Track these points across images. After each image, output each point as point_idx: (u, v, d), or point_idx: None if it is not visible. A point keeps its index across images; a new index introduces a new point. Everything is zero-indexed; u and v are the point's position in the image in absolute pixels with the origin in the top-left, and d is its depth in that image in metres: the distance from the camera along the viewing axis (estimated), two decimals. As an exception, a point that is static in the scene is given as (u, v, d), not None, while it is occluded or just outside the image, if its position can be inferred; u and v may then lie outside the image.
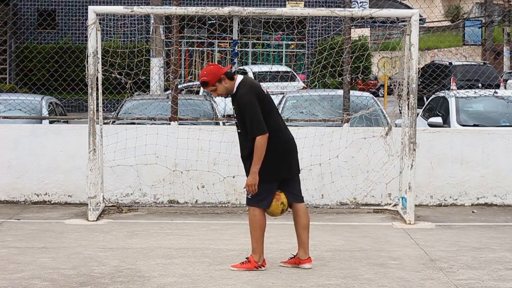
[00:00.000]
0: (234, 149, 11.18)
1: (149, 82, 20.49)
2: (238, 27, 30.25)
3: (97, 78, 10.60)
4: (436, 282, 7.43)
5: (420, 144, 11.18)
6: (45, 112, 13.90)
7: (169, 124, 11.84)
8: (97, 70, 10.64)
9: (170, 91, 12.52)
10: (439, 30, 31.77)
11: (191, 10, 10.72)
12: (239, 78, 7.66)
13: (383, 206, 11.37)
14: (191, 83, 24.54)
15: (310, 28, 29.96)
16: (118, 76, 11.86)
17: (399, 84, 11.14)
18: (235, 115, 7.69)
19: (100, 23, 10.82)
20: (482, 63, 29.17)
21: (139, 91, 15.07)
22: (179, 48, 12.27)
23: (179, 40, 16.19)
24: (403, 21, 11.47)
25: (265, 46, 33.30)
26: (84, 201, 11.10)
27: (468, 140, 11.67)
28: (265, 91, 7.71)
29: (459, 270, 7.87)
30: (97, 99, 10.68)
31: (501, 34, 44.47)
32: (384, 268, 7.95)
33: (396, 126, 11.77)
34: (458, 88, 20.68)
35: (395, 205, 11.12)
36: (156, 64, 20.48)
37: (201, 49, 32.49)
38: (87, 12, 10.64)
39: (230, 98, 7.74)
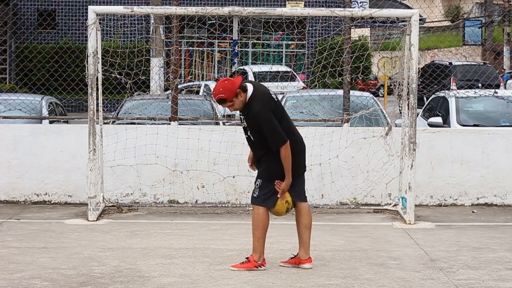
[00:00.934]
0: (234, 149, 11.19)
1: (149, 82, 20.49)
2: (238, 27, 30.33)
3: (97, 78, 10.60)
4: (436, 282, 7.43)
5: (420, 144, 11.18)
6: (45, 112, 13.90)
7: (169, 124, 11.84)
8: (97, 70, 10.64)
9: (170, 91, 12.52)
10: (439, 30, 31.78)
11: (191, 10, 10.72)
12: (249, 87, 7.60)
13: (383, 206, 11.37)
14: (191, 83, 24.54)
15: (310, 28, 29.97)
16: (118, 76, 11.86)
17: (399, 84, 11.14)
18: (245, 124, 7.65)
19: (100, 23, 10.82)
20: (482, 63, 29.17)
21: (139, 91, 15.07)
22: (179, 48, 12.27)
23: (179, 40, 16.19)
24: (403, 21, 11.47)
25: (265, 46, 33.31)
26: (84, 201, 11.10)
27: (468, 140, 11.67)
28: (274, 96, 7.70)
29: (459, 270, 7.87)
30: (97, 99, 10.68)
31: (501, 34, 44.47)
32: (384, 268, 7.95)
33: (396, 126, 11.76)
34: (458, 88, 20.69)
35: (395, 205, 11.12)
36: (156, 64, 20.48)
37: (201, 49, 32.49)
38: (87, 12, 10.64)
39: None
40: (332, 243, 9.09)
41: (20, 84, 25.82)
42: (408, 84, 10.63)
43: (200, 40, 31.91)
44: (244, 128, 7.75)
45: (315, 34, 31.94)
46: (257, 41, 32.68)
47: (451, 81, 23.96)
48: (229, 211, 11.21)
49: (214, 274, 7.62)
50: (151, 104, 13.88)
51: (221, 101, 7.56)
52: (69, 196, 11.59)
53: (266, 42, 33.03)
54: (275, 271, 7.74)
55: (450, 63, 27.13)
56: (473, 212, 11.27)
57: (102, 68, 11.02)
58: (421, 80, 19.38)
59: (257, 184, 7.72)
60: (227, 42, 32.35)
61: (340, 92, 12.76)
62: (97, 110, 10.71)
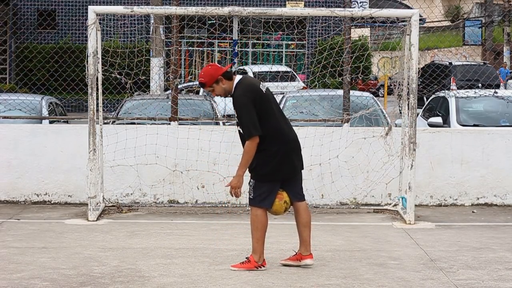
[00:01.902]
0: (234, 149, 11.18)
1: (149, 82, 20.49)
2: (238, 27, 30.25)
3: (97, 78, 10.60)
4: (436, 282, 7.43)
5: (420, 144, 11.18)
6: (45, 112, 13.90)
7: (169, 124, 11.84)
8: (97, 70, 10.64)
9: (170, 91, 12.52)
10: (439, 30, 31.78)
11: (191, 10, 10.72)
12: (237, 78, 7.66)
13: (383, 206, 11.37)
14: (191, 83, 24.53)
15: (310, 28, 29.96)
16: (118, 76, 11.86)
17: (399, 84, 11.14)
18: (236, 115, 7.71)
19: (100, 23, 10.82)
20: (482, 63, 29.17)
21: (139, 91, 15.07)
22: (179, 48, 12.27)
23: (179, 40, 16.19)
24: (403, 21, 11.47)
25: (265, 46, 33.30)
26: (84, 201, 11.10)
27: (468, 140, 11.67)
28: (264, 90, 7.67)
29: (459, 270, 7.87)
30: (97, 99, 10.68)
31: (501, 34, 44.49)
32: (384, 268, 7.95)
33: (396, 126, 11.76)
34: (458, 88, 20.68)
35: (395, 205, 11.12)
36: (156, 64, 20.48)
37: (201, 49, 32.48)
38: (87, 12, 10.64)
39: (231, 98, 7.75)
40: (332, 243, 9.09)
41: (20, 84, 25.83)
42: (408, 84, 10.63)
43: (200, 40, 31.90)
44: (236, 123, 7.77)
45: (315, 34, 31.94)
46: (257, 41, 32.67)
47: (451, 81, 23.95)
48: (229, 211, 11.21)
49: (214, 274, 7.62)
50: (151, 104, 13.88)
51: (201, 85, 7.68)
52: (69, 196, 11.59)
53: (266, 42, 33.02)
54: (275, 271, 7.74)
55: (450, 63, 27.13)
56: (473, 212, 11.27)
57: (102, 68, 11.03)
58: (421, 80, 19.37)
59: (251, 185, 7.70)
60: (227, 42, 32.34)
61: (340, 92, 12.76)
62: (97, 110, 10.71)
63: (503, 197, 11.67)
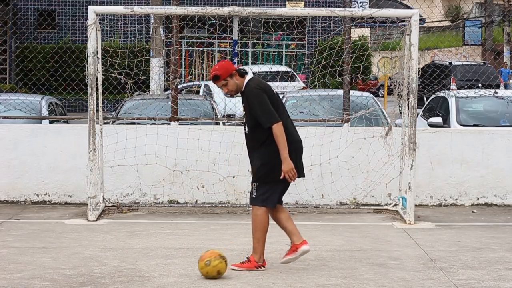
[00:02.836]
0: (234, 149, 11.19)
1: (149, 82, 20.49)
2: (238, 27, 30.31)
3: (97, 78, 10.60)
4: (436, 282, 7.43)
5: (420, 144, 11.18)
6: (45, 112, 13.90)
7: (169, 124, 11.85)
8: (97, 70, 10.64)
9: (170, 91, 12.52)
10: (439, 30, 31.76)
11: (191, 10, 10.72)
12: (249, 76, 7.67)
13: (383, 206, 11.37)
14: (191, 83, 24.54)
15: (310, 28, 29.97)
16: (118, 76, 11.85)
17: (399, 84, 11.14)
18: (244, 113, 7.67)
19: (100, 23, 10.82)
20: (482, 63, 29.17)
21: (139, 91, 15.07)
22: (179, 48, 12.27)
23: (179, 40, 16.18)
24: (403, 21, 11.48)
25: (265, 46, 33.30)
26: (84, 201, 11.10)
27: (468, 140, 11.67)
28: (275, 91, 7.74)
29: (459, 270, 7.87)
30: (97, 99, 10.68)
31: (501, 34, 44.47)
32: (384, 268, 7.95)
33: (396, 126, 11.76)
34: (458, 88, 20.68)
35: (395, 205, 11.12)
36: (156, 64, 20.48)
37: (201, 49, 32.48)
38: (87, 12, 10.64)
39: (240, 97, 7.75)
40: (332, 243, 9.09)
41: (20, 84, 25.84)
42: (408, 84, 10.63)
43: (200, 40, 31.90)
44: (244, 123, 7.73)
45: (315, 34, 31.94)
46: (257, 41, 32.68)
47: (451, 81, 23.95)
48: (229, 211, 11.21)
49: (214, 274, 7.62)
50: (151, 104, 13.89)
51: (215, 78, 7.59)
52: (69, 196, 11.59)
53: (266, 42, 33.03)
54: (275, 271, 7.74)
55: (450, 63, 27.14)
56: (473, 212, 11.27)
57: (102, 68, 11.03)
58: (421, 80, 19.37)
59: (254, 185, 7.67)
60: (227, 42, 32.35)
61: (340, 92, 12.76)
62: (97, 110, 10.71)
63: (503, 197, 11.67)
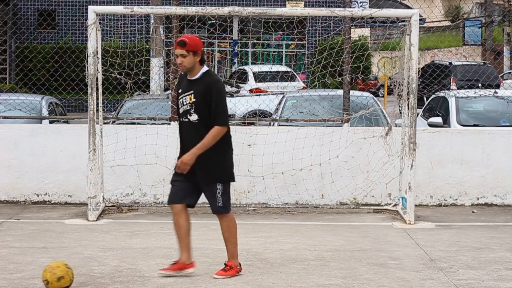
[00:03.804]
0: (234, 149, 11.17)
1: (149, 82, 20.49)
2: (238, 27, 30.32)
3: (97, 78, 10.60)
4: (436, 282, 7.43)
5: (420, 144, 11.18)
6: (45, 112, 13.89)
7: (169, 124, 11.84)
8: (97, 70, 10.64)
9: (170, 91, 12.52)
10: (439, 30, 31.76)
11: (191, 10, 10.72)
12: (206, 67, 7.44)
13: (383, 206, 11.37)
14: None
15: (310, 28, 29.96)
16: (118, 76, 11.85)
17: (399, 84, 11.14)
18: (193, 101, 7.31)
19: (100, 23, 10.82)
20: (482, 63, 29.16)
21: (139, 91, 15.07)
22: (179, 48, 12.25)
23: (179, 40, 16.14)
24: (403, 21, 11.47)
25: (265, 46, 33.30)
26: (84, 201, 11.10)
27: (468, 140, 11.66)
28: None
29: (459, 270, 7.87)
30: (97, 99, 10.68)
31: (501, 34, 44.45)
32: (384, 268, 7.95)
33: (396, 126, 11.76)
34: (458, 88, 20.68)
35: (395, 205, 11.12)
36: (156, 64, 20.49)
37: (201, 49, 32.43)
38: (87, 12, 10.64)
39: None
40: (332, 243, 9.09)
41: (20, 84, 25.84)
42: (408, 84, 10.63)
43: (200, 40, 31.86)
44: (186, 111, 7.37)
45: (315, 34, 31.93)
46: (257, 41, 32.67)
47: (451, 81, 23.95)
48: (229, 211, 11.19)
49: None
50: (151, 104, 13.89)
51: (181, 43, 7.27)
52: (69, 196, 11.59)
53: (266, 42, 33.02)
54: (275, 271, 7.74)
55: (450, 63, 27.12)
56: (473, 212, 11.27)
57: (102, 68, 11.02)
58: (421, 80, 19.37)
59: (218, 191, 7.48)
60: (227, 42, 32.35)
61: (340, 92, 12.76)
62: (97, 110, 10.71)
63: (503, 197, 11.67)
